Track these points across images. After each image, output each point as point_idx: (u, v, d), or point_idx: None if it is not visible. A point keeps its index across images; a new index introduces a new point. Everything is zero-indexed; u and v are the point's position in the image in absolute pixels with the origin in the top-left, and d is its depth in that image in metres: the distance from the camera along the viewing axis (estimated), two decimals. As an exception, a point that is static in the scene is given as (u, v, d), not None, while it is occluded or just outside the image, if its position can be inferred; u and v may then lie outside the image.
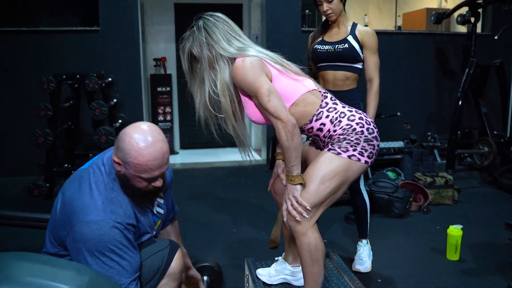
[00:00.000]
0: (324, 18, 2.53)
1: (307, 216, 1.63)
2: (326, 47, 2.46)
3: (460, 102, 4.42)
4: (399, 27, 7.32)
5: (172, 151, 5.74)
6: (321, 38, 2.54)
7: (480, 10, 4.83)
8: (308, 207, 1.62)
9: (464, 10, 4.98)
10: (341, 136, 1.66)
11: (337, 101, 1.75)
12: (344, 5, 2.44)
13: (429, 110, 5.55)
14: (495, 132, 4.62)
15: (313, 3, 2.51)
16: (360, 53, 2.42)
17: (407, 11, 7.32)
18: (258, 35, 5.76)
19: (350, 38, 2.41)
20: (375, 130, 1.70)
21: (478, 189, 4.27)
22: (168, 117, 5.70)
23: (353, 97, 2.43)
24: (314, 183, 1.63)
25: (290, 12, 5.00)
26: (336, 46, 2.43)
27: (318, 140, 1.77)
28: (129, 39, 4.65)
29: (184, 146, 6.00)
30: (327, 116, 1.69)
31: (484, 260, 2.71)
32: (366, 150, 1.66)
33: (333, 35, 2.49)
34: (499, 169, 4.39)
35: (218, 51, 1.66)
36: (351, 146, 1.65)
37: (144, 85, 4.93)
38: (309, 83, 1.74)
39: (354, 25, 2.45)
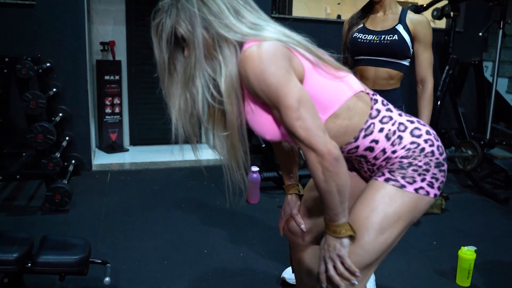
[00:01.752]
0: None
1: (356, 283, 1.13)
2: (370, 37, 1.98)
3: (439, 102, 4.14)
4: (339, 16, 7.00)
5: (121, 148, 5.06)
6: (362, 25, 2.04)
7: (460, 5, 4.58)
8: (357, 273, 1.12)
9: (440, 4, 4.72)
10: (405, 160, 1.17)
11: (390, 106, 1.26)
12: None
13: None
14: (472, 134, 4.41)
15: None
16: (411, 48, 1.96)
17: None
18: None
19: (400, 28, 1.94)
20: (443, 149, 1.24)
21: (460, 195, 4.01)
22: (117, 110, 5.00)
23: (397, 99, 1.97)
24: (369, 233, 1.14)
25: (260, -4, 4.48)
26: (383, 37, 1.95)
27: (362, 163, 1.27)
28: (72, 17, 3.92)
29: (134, 142, 5.33)
30: (381, 130, 1.19)
31: (498, 286, 2.39)
32: (437, 179, 1.19)
33: (378, 22, 2.00)
34: (478, 174, 4.17)
35: (220, 31, 1.08)
36: (419, 174, 1.17)
37: (89, 73, 4.22)
38: (354, 81, 1.22)
39: (404, 12, 1.97)
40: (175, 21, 1.09)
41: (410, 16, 1.97)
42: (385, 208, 1.16)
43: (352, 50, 2.03)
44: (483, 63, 4.66)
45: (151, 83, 5.27)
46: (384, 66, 1.97)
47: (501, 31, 4.06)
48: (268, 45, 1.05)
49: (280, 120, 1.10)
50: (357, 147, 1.22)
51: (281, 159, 1.51)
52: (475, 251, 2.37)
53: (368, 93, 1.24)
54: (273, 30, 1.12)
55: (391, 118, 1.21)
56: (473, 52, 5.14)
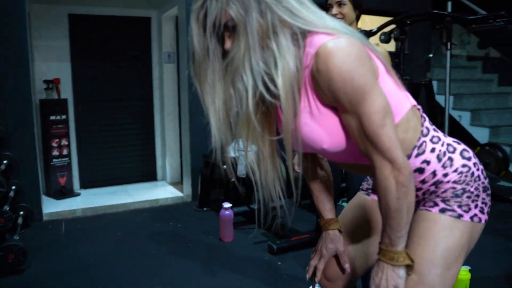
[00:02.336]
0: None
1: None
2: None
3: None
4: None
5: (72, 193, 4.68)
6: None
7: (407, 29, 4.77)
8: None
9: (387, 28, 4.88)
10: (458, 187, 1.09)
11: (434, 125, 1.16)
12: (358, 17, 1.98)
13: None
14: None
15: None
16: None
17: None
18: (171, 53, 5.05)
19: None
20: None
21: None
22: (65, 151, 4.64)
23: None
24: (436, 270, 1.05)
25: (213, 27, 4.39)
26: None
27: None
28: (15, 54, 3.60)
29: (86, 185, 4.95)
30: (433, 150, 1.09)
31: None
32: (485, 204, 1.12)
33: None
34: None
35: (281, 15, 0.93)
36: (473, 201, 1.09)
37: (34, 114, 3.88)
38: (408, 93, 1.13)
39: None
40: (225, 4, 0.92)
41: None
42: (447, 242, 1.07)
43: None
44: (432, 82, 4.84)
45: (100, 120, 5.04)
46: None
47: (449, 52, 4.24)
48: (352, 43, 0.94)
49: (355, 127, 0.97)
50: None
51: (317, 190, 1.35)
52: (469, 270, 2.34)
53: (419, 109, 1.14)
54: (340, 25, 0.99)
55: (439, 138, 1.12)
56: (419, 72, 5.36)
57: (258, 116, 1.04)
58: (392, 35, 4.70)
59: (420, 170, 1.10)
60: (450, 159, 1.10)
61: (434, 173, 1.10)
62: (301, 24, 0.95)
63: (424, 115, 1.14)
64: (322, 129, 1.01)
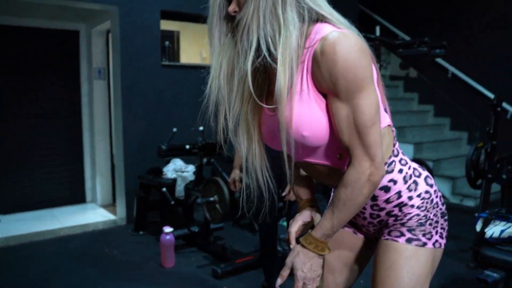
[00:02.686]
0: None
1: None
2: None
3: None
4: None
5: (-10, 220, 4.27)
6: None
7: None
8: None
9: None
10: (421, 213, 1.12)
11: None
12: None
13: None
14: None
15: None
16: None
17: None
18: (102, 69, 4.84)
19: None
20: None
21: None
22: (-18, 174, 4.24)
23: None
24: None
25: (149, 43, 4.27)
26: None
27: (367, 205, 1.16)
28: None
29: (7, 209, 4.53)
30: (400, 171, 1.13)
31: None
32: (444, 229, 1.18)
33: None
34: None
35: None
36: (434, 228, 1.14)
37: None
38: (388, 111, 1.16)
39: None
40: None
41: None
42: (415, 271, 1.11)
43: None
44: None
45: (23, 139, 4.65)
46: None
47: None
48: (359, 38, 0.99)
49: (344, 116, 0.98)
50: None
51: (299, 182, 1.31)
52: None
53: (393, 130, 1.16)
54: (346, 21, 1.04)
55: (406, 161, 1.15)
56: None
57: (255, 83, 1.06)
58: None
59: (386, 189, 1.12)
60: (416, 183, 1.13)
61: (399, 194, 1.12)
62: (317, 8, 1.01)
63: (395, 137, 1.17)
64: (307, 114, 1.01)
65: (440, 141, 5.87)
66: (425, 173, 1.17)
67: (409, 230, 1.13)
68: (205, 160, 3.62)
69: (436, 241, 1.15)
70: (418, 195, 1.13)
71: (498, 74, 5.46)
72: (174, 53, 5.18)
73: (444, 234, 1.18)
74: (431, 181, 1.17)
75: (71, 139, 4.93)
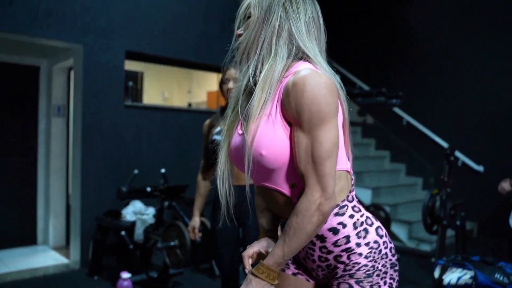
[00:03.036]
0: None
1: None
2: None
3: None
4: (190, 104, 7.36)
5: None
6: (220, 128, 2.14)
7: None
8: None
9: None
10: (369, 263, 1.14)
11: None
12: None
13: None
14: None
15: (218, 85, 2.18)
16: None
17: (214, 90, 7.34)
18: (62, 106, 4.74)
19: None
20: (395, 250, 1.24)
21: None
22: None
23: None
24: None
25: (112, 82, 4.24)
26: None
27: (315, 248, 1.17)
28: None
29: None
30: (351, 216, 1.15)
31: None
32: (394, 279, 1.18)
33: None
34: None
35: (291, 29, 1.15)
36: (382, 278, 1.15)
37: None
38: (350, 158, 1.22)
39: None
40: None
41: None
42: None
43: (214, 152, 2.05)
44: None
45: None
46: None
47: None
48: (330, 79, 1.08)
49: (303, 146, 1.06)
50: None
51: (269, 212, 1.32)
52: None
53: (352, 178, 1.21)
54: (327, 66, 1.16)
55: (360, 209, 1.18)
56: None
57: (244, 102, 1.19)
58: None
59: (335, 231, 1.14)
60: (366, 230, 1.15)
61: (348, 239, 1.14)
62: (300, 42, 1.14)
63: (353, 184, 1.22)
64: (270, 135, 1.09)
65: (396, 186, 6.04)
66: (377, 223, 1.20)
67: (357, 282, 1.14)
68: (166, 203, 3.55)
69: None
70: (367, 244, 1.14)
71: (450, 122, 5.76)
72: (137, 93, 5.14)
73: (394, 285, 1.19)
74: (382, 231, 1.19)
75: (24, 178, 4.72)
